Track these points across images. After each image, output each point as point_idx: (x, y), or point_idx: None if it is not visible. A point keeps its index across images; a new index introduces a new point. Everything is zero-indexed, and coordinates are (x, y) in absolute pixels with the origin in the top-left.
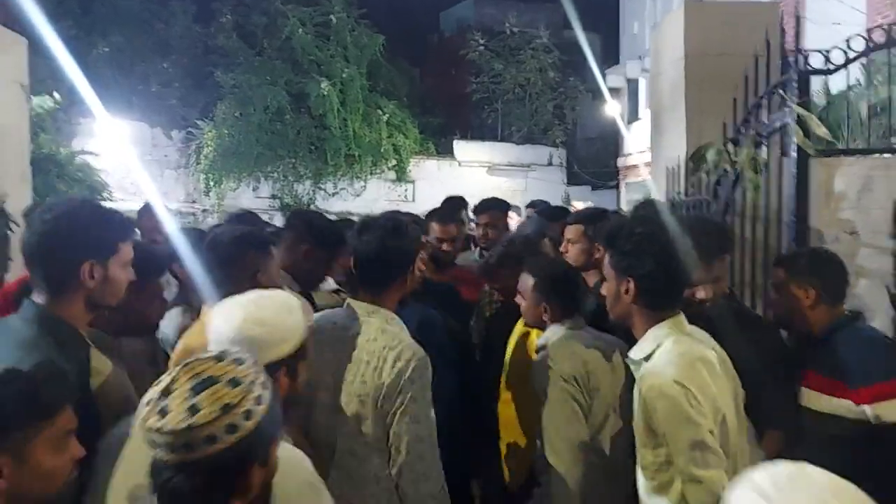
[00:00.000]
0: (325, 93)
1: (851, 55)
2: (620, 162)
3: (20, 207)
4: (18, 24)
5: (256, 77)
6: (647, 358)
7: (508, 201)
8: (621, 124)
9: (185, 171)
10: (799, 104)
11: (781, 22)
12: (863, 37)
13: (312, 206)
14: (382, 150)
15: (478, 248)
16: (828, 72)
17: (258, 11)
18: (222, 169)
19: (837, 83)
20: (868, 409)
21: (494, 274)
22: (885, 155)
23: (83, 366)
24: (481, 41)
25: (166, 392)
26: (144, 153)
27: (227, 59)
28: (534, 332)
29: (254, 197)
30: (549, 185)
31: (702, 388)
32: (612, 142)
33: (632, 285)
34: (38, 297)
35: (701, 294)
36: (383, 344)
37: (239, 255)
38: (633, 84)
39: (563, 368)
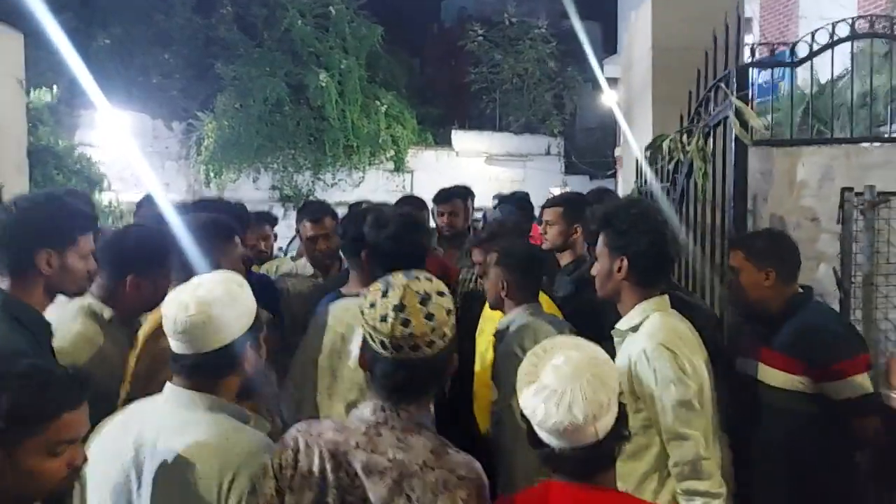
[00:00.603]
0: (324, 84)
1: (816, 48)
2: (618, 151)
3: None
4: (17, 19)
5: (256, 69)
6: (634, 329)
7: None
8: (619, 114)
9: (186, 163)
10: (738, 97)
11: (740, 20)
12: (827, 30)
13: (311, 197)
14: (380, 140)
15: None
16: (760, 64)
17: (258, 3)
18: (222, 160)
19: (826, 73)
20: (825, 386)
21: (483, 245)
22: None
23: (44, 347)
24: (480, 32)
25: (401, 307)
26: (145, 145)
27: (228, 51)
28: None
29: (254, 188)
30: (547, 175)
31: (688, 356)
32: (610, 131)
33: (625, 263)
34: (2, 283)
35: None
36: None
37: (203, 242)
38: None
39: (528, 346)
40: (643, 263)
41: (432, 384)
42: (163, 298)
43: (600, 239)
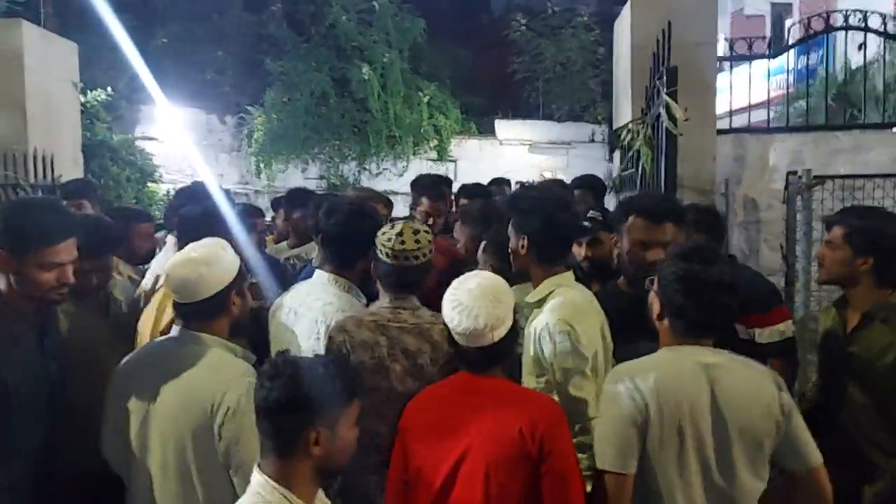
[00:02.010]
0: (366, 77)
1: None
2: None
3: None
4: (81, 21)
5: (303, 64)
6: (540, 304)
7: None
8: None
9: (239, 154)
10: (668, 93)
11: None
12: (803, 24)
13: (357, 185)
14: (423, 130)
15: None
16: (731, 59)
17: (306, 0)
18: (271, 151)
19: (858, 59)
20: (754, 332)
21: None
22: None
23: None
24: (523, 21)
25: (400, 234)
26: (200, 138)
27: (276, 47)
28: None
29: (302, 178)
30: (591, 162)
31: (585, 330)
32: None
33: (526, 241)
34: None
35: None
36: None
37: (204, 228)
38: None
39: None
40: (541, 241)
41: (421, 283)
42: None
43: (512, 220)
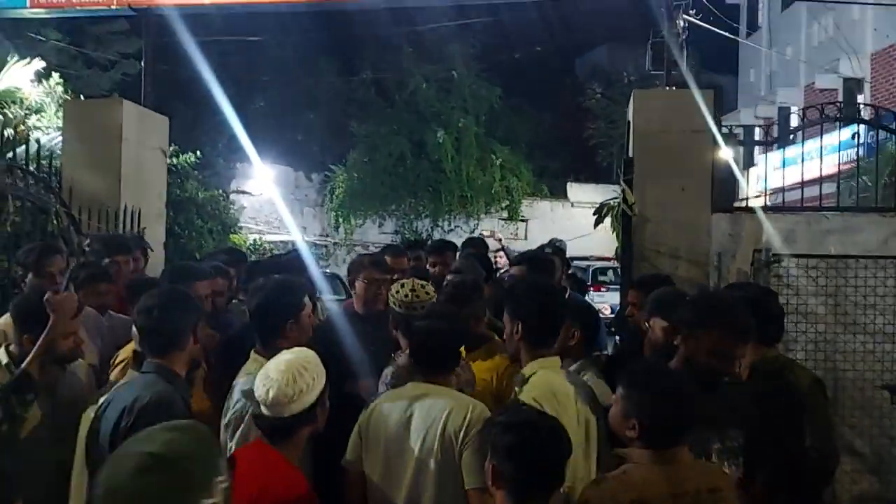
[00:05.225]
0: (441, 141)
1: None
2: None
3: (156, 238)
4: (187, 91)
5: (385, 127)
6: (524, 382)
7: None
8: (735, 169)
9: (321, 209)
10: (625, 180)
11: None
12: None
13: (430, 240)
14: (494, 191)
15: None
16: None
17: (393, 68)
18: (350, 207)
19: None
20: None
21: None
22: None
23: None
24: (598, 90)
25: (412, 288)
26: (288, 193)
27: (363, 111)
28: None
29: (378, 232)
30: None
31: (556, 409)
32: (730, 185)
33: (519, 326)
34: None
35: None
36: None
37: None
38: (748, 130)
39: None
40: (532, 326)
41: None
42: None
43: (506, 306)
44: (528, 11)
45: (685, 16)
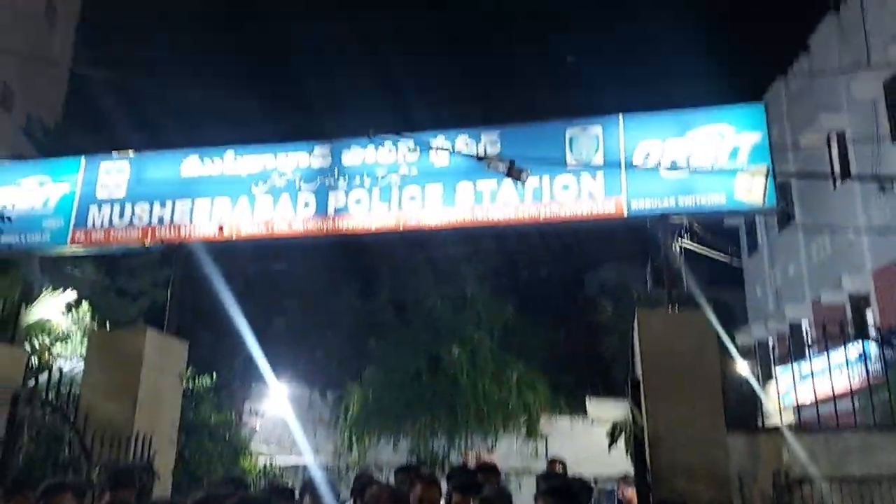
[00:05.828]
0: (455, 356)
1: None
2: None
3: (165, 464)
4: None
5: (402, 345)
6: None
7: None
8: (754, 383)
9: (335, 429)
10: (632, 401)
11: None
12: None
13: (447, 462)
14: (510, 407)
15: None
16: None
17: (411, 289)
18: (365, 426)
19: None
20: None
21: None
22: None
23: None
24: (609, 306)
25: None
26: (301, 412)
27: (381, 330)
28: None
29: (392, 452)
30: None
31: None
32: (751, 403)
33: None
34: None
35: None
36: None
37: None
38: (763, 344)
39: None
40: None
41: None
42: None
43: None
44: (533, 238)
45: (682, 241)
